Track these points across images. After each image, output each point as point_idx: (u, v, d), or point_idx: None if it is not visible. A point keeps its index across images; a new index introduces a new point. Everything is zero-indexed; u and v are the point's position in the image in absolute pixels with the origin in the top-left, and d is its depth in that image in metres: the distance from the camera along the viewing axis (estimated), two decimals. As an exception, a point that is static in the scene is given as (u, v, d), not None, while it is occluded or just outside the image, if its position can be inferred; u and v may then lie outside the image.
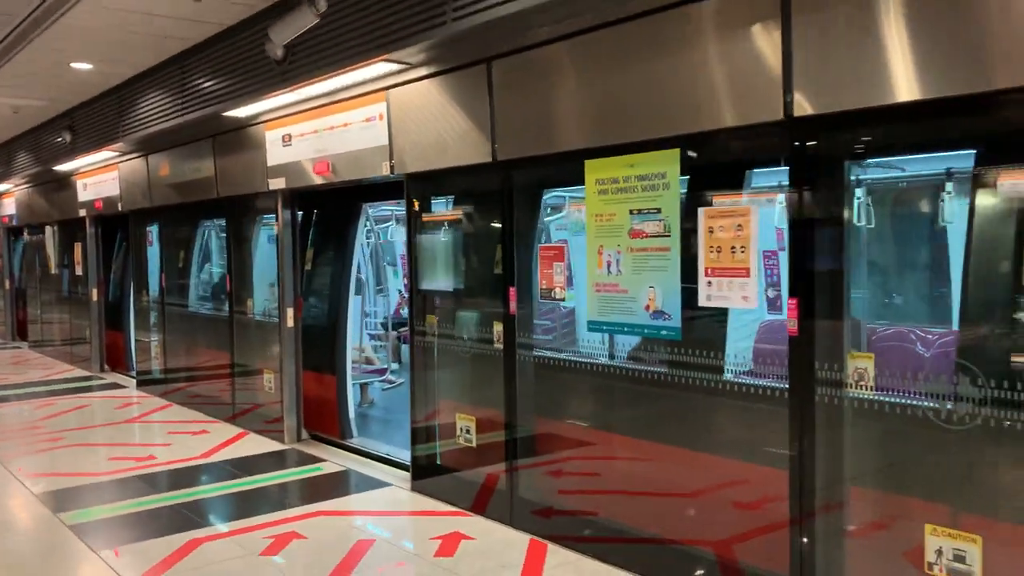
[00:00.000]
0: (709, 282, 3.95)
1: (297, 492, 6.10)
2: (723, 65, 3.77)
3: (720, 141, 3.95)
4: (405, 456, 6.24)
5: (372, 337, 10.60)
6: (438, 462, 5.84)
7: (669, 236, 4.12)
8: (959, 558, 3.21)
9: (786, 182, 3.61)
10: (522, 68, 4.79)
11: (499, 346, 5.20)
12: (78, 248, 12.34)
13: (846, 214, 3.55)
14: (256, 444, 7.45)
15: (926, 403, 3.31)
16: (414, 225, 5.92)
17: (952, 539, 3.22)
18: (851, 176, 3.59)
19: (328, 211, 7.64)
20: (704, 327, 4.13)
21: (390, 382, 9.32)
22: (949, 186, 3.57)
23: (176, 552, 4.79)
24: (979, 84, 2.96)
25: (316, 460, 6.87)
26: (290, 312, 7.50)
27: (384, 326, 10.71)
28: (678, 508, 4.26)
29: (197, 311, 9.35)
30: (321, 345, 7.53)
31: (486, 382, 5.35)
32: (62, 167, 11.15)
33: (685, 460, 4.27)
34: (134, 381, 10.83)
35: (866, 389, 3.48)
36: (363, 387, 8.88)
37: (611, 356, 4.71)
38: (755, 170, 4.03)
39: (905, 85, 3.16)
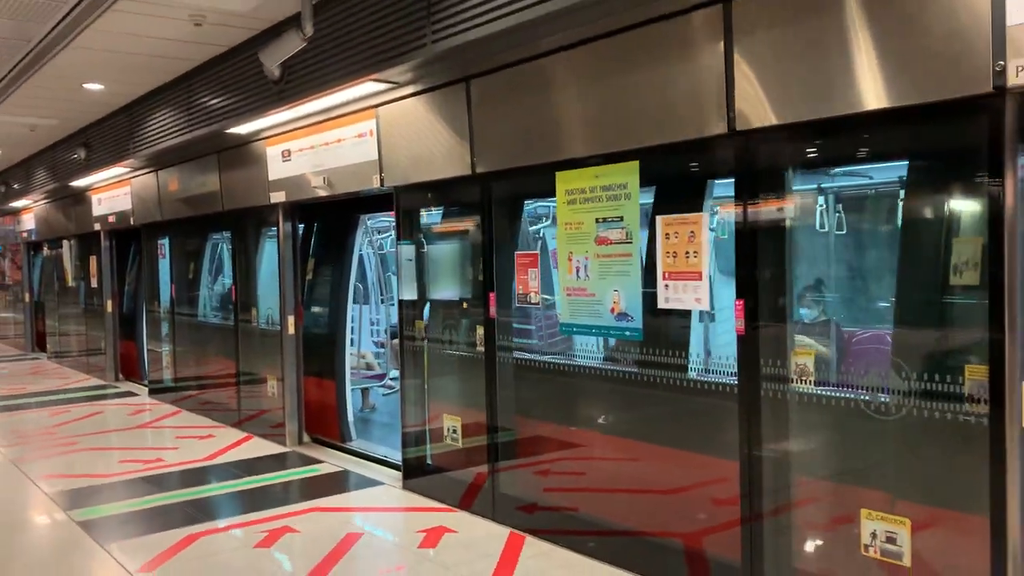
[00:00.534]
0: (667, 285, 4.21)
1: (294, 491, 6.39)
2: (675, 83, 4.04)
3: (675, 153, 4.21)
4: (399, 457, 6.51)
5: (377, 344, 10.89)
6: (428, 462, 6.11)
7: (631, 243, 4.39)
8: (891, 540, 3.44)
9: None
10: (497, 86, 5.09)
11: (481, 349, 5.48)
12: (93, 261, 12.74)
13: (787, 221, 3.81)
14: (259, 447, 7.75)
15: (861, 396, 3.56)
16: (403, 235, 6.22)
17: (884, 522, 3.46)
18: (794, 185, 3.84)
19: (328, 222, 7.97)
20: (668, 328, 4.38)
21: (389, 387, 9.60)
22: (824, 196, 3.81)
23: (175, 545, 5.09)
24: (894, 100, 3.21)
25: (315, 461, 7.16)
26: (291, 320, 7.81)
27: (389, 333, 11.00)
28: (644, 501, 4.51)
29: (205, 321, 9.69)
30: (321, 352, 7.83)
31: (470, 384, 5.63)
32: (77, 183, 11.55)
33: (650, 454, 4.51)
34: (146, 389, 11.18)
35: (808, 384, 3.73)
36: (364, 392, 9.17)
37: (588, 357, 4.97)
38: (713, 181, 4.28)
39: (840, 101, 3.42)
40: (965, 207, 3.24)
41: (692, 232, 4.08)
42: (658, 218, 4.25)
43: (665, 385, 4.35)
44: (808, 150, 3.75)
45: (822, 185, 4.08)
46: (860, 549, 3.53)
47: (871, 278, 4.15)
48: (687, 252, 4.10)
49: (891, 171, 3.81)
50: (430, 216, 6.13)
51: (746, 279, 3.86)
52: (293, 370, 7.90)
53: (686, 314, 4.31)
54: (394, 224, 6.35)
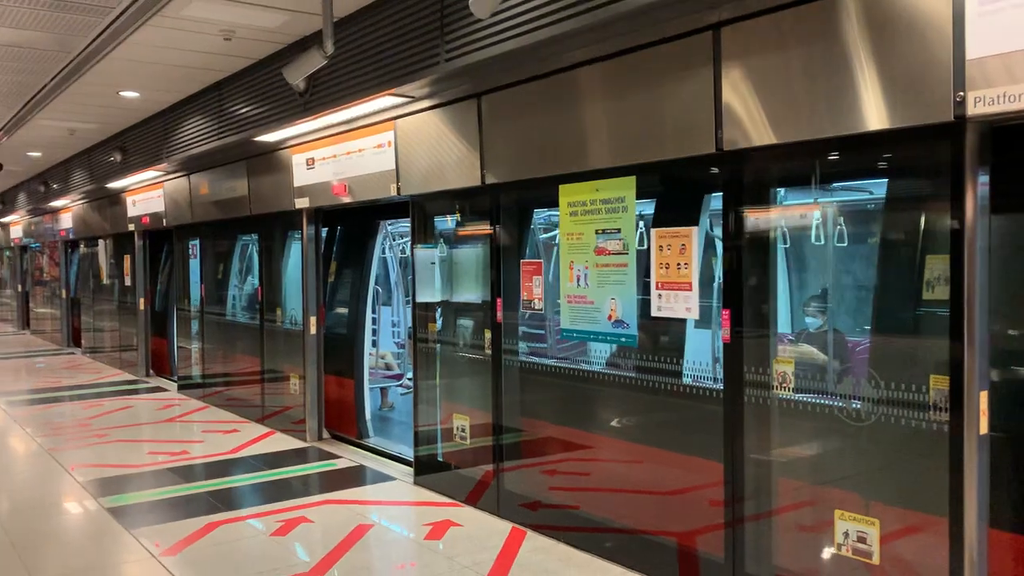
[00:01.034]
0: (659, 295, 4.44)
1: (311, 484, 6.69)
2: (668, 104, 4.27)
3: (670, 170, 4.44)
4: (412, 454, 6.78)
5: (397, 345, 11.19)
6: (439, 458, 6.37)
7: (627, 254, 4.62)
8: (861, 539, 3.64)
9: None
10: (505, 103, 5.35)
11: (488, 352, 5.73)
12: (127, 260, 13.19)
13: (772, 235, 4.02)
14: (280, 442, 8.07)
15: (837, 403, 3.76)
16: (418, 242, 6.50)
17: (856, 522, 3.66)
18: (778, 202, 4.06)
19: (349, 228, 8.27)
20: (663, 335, 4.60)
21: (407, 387, 9.87)
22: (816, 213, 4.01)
23: (197, 532, 5.40)
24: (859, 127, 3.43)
25: (333, 456, 7.46)
26: (313, 320, 8.13)
27: (408, 335, 11.29)
28: (638, 500, 4.73)
29: (232, 320, 10.05)
30: (341, 351, 8.13)
31: (478, 385, 5.88)
32: (113, 184, 11.99)
33: (644, 456, 4.74)
34: (176, 385, 11.58)
35: (788, 390, 3.94)
36: (383, 392, 9.46)
37: (590, 361, 5.21)
38: (709, 196, 4.50)
39: (810, 125, 3.63)
40: (934, 225, 3.44)
41: (683, 245, 4.30)
42: (653, 231, 4.48)
43: (659, 390, 4.57)
44: (791, 170, 3.96)
45: (804, 202, 4.27)
46: (834, 548, 3.73)
47: (852, 291, 4.34)
48: (679, 263, 4.33)
49: (871, 189, 4.00)
50: (443, 224, 6.39)
51: (732, 289, 4.08)
52: (314, 368, 8.21)
53: (681, 322, 4.52)
54: (411, 231, 6.61)
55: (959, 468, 3.25)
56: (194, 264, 10.94)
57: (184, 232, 11.13)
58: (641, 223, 4.63)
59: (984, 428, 3.24)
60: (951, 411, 3.27)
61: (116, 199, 13.07)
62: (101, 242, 14.69)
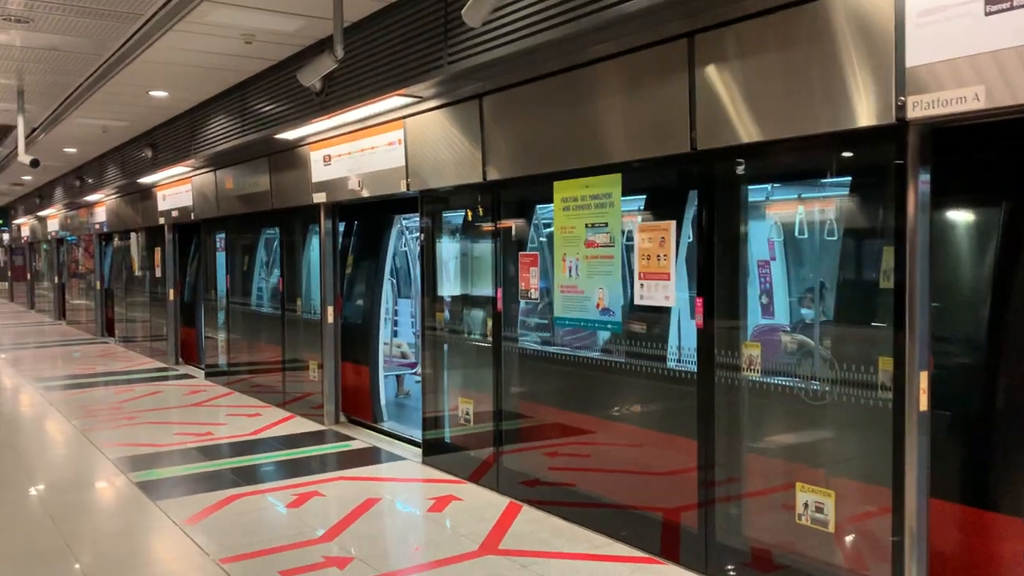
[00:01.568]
0: (642, 284, 4.75)
1: (326, 463, 7.08)
2: (649, 106, 4.58)
3: (652, 168, 4.75)
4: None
5: (416, 335, 11.56)
6: (446, 440, 6.73)
7: (613, 246, 4.94)
8: (819, 509, 3.94)
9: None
10: (505, 104, 5.68)
11: (490, 339, 6.08)
12: (158, 253, 13.70)
13: (742, 228, 4.32)
14: (299, 425, 8.48)
15: (798, 383, 4.06)
16: (427, 235, 6.86)
17: (813, 494, 3.96)
18: (749, 197, 4.36)
19: (365, 221, 8.66)
20: (646, 322, 4.92)
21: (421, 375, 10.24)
22: (800, 208, 4.30)
23: (218, 503, 5.81)
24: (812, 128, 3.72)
25: (348, 439, 7.86)
26: (331, 310, 8.52)
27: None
28: (623, 475, 5.05)
29: (256, 310, 10.49)
30: (357, 340, 8.52)
31: (481, 370, 6.23)
32: (144, 180, 12.49)
33: (630, 435, 5.06)
34: (203, 372, 12.06)
35: (755, 372, 4.24)
36: (399, 379, 9.85)
37: (586, 347, 5.53)
38: (688, 192, 4.79)
39: (773, 127, 3.93)
40: (882, 221, 3.72)
41: (663, 237, 4.61)
42: (635, 224, 4.79)
43: (645, 373, 4.89)
44: (758, 168, 4.26)
45: (771, 198, 4.56)
46: (795, 517, 4.03)
47: (814, 280, 4.63)
48: (658, 255, 4.64)
49: (832, 186, 4.27)
50: (449, 217, 6.74)
51: (706, 279, 4.39)
52: (332, 356, 8.61)
53: (665, 310, 4.83)
54: (419, 225, 6.97)
55: (901, 442, 3.54)
56: (220, 256, 11.41)
57: (211, 225, 11.60)
58: (639, 218, 4.91)
59: (924, 406, 3.52)
60: (894, 390, 3.56)
61: (147, 194, 13.58)
62: (133, 235, 15.24)
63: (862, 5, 3.52)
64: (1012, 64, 3.04)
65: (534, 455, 5.77)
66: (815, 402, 4.00)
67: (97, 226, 17.34)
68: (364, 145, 7.37)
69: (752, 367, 4.25)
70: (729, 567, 4.34)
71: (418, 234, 10.08)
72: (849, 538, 3.84)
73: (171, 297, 13.35)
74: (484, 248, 6.20)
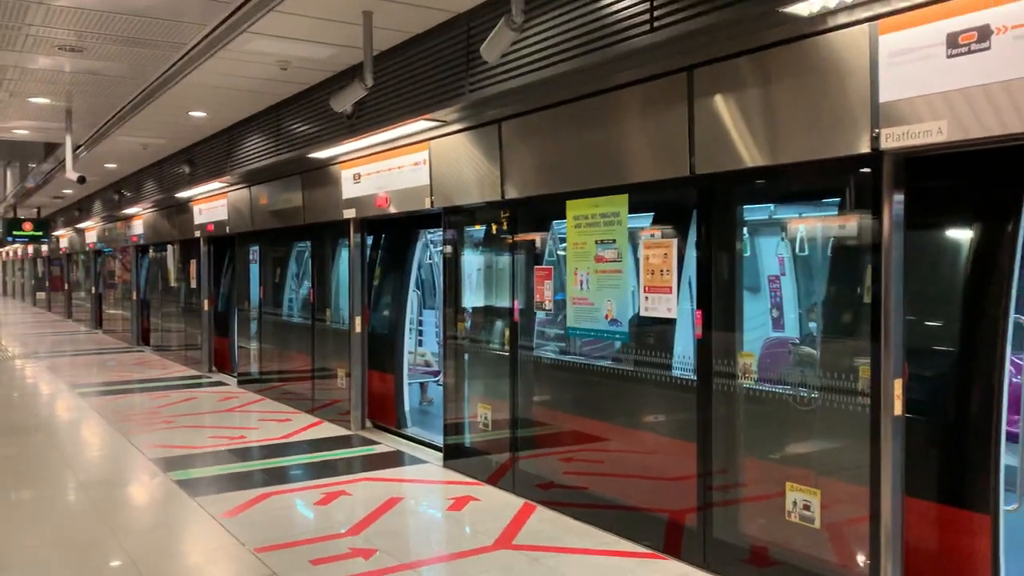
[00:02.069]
0: (647, 297, 5.11)
1: (352, 465, 7.48)
2: (652, 133, 4.95)
3: (656, 189, 5.11)
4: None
5: (440, 345, 11.96)
6: (466, 444, 7.10)
7: (621, 261, 5.30)
8: (806, 507, 4.26)
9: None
10: (522, 128, 6.07)
11: (508, 348, 6.45)
12: (193, 265, 14.24)
13: (737, 246, 4.67)
14: (327, 430, 8.90)
15: (788, 390, 4.39)
16: (450, 249, 7.25)
17: (801, 492, 4.28)
18: (745, 217, 4.70)
19: (392, 236, 9.08)
20: (652, 333, 5.26)
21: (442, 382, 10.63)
22: (800, 228, 4.63)
23: (251, 500, 6.22)
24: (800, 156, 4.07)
25: (374, 443, 8.26)
26: (358, 320, 8.94)
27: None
28: (631, 477, 5.39)
29: (287, 320, 10.95)
30: (383, 349, 8.93)
31: (499, 378, 6.60)
32: (181, 194, 13.04)
33: (635, 439, 5.40)
34: (235, 380, 12.54)
35: (750, 380, 4.57)
36: (423, 387, 10.24)
37: (590, 355, 5.88)
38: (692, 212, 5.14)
39: (763, 154, 4.28)
40: (863, 239, 4.05)
41: (665, 254, 4.97)
42: (641, 242, 5.15)
43: (651, 381, 5.23)
44: (752, 191, 4.61)
45: (766, 218, 4.91)
46: (785, 515, 4.35)
47: (807, 295, 4.96)
48: (662, 270, 4.99)
49: (821, 208, 4.61)
50: (471, 233, 7.14)
51: (704, 293, 4.73)
52: (359, 364, 9.02)
53: (669, 321, 5.17)
54: (442, 239, 7.37)
55: (877, 444, 3.86)
56: (254, 268, 11.89)
57: (245, 239, 12.09)
58: (652, 235, 5.23)
59: (899, 411, 3.84)
60: (871, 396, 3.88)
61: (183, 208, 14.14)
62: (169, 247, 15.80)
63: (841, 45, 3.87)
64: (970, 102, 3.37)
65: (548, 458, 6.12)
66: (803, 408, 4.32)
67: (134, 238, 17.95)
68: (392, 164, 7.80)
69: (747, 375, 4.58)
70: (725, 561, 4.66)
71: (441, 248, 10.50)
72: (833, 534, 4.15)
73: (205, 307, 13.86)
74: (503, 262, 6.59)
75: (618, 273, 5.33)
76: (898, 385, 3.84)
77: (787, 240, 6.31)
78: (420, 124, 6.71)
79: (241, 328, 12.55)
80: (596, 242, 5.49)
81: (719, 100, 4.51)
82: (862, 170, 3.90)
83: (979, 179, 3.85)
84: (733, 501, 4.70)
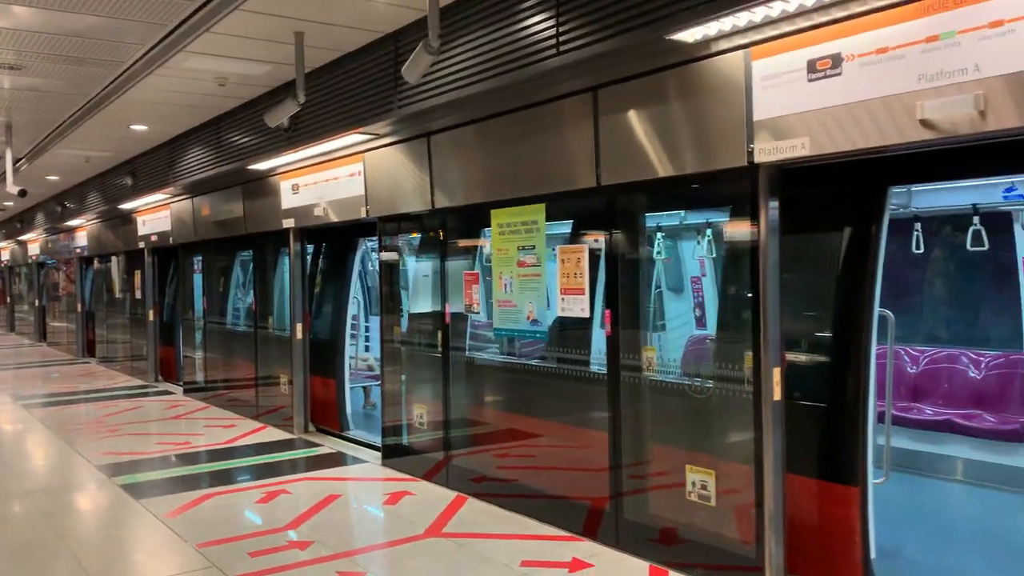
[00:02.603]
0: (563, 298, 5.50)
1: (294, 466, 7.75)
2: (564, 147, 5.35)
3: (570, 199, 5.51)
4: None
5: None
6: (404, 443, 7.42)
7: (539, 266, 5.69)
8: (703, 487, 4.68)
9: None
10: (449, 142, 6.44)
11: (440, 350, 6.80)
12: (137, 276, 14.32)
13: (642, 251, 5.09)
14: (271, 435, 9.14)
15: (685, 380, 4.81)
16: (385, 257, 7.58)
17: (699, 474, 4.70)
18: (648, 223, 5.12)
19: (332, 245, 9.38)
20: (570, 331, 5.66)
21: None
22: (708, 232, 5.08)
23: (194, 501, 6.47)
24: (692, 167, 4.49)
25: (316, 445, 8.53)
26: (299, 327, 9.21)
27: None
28: (552, 465, 5.78)
29: (231, 329, 11.15)
30: (325, 354, 9.21)
31: (433, 379, 6.94)
32: (125, 206, 13.14)
33: (555, 431, 5.78)
34: (181, 389, 12.68)
35: (652, 372, 4.99)
36: (366, 391, 10.53)
37: (516, 354, 6.27)
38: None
39: (658, 166, 4.71)
40: (741, 243, 4.48)
41: (578, 258, 5.37)
42: (557, 247, 5.55)
43: (572, 376, 5.62)
44: (649, 200, 5.03)
45: (661, 224, 5.34)
46: (686, 495, 4.77)
47: (683, 294, 5.40)
48: (575, 273, 5.39)
49: (719, 215, 5.06)
50: (405, 241, 7.48)
51: (612, 293, 5.14)
52: (301, 370, 9.28)
53: (585, 321, 5.56)
54: (378, 247, 7.69)
55: (759, 427, 4.29)
56: (198, 278, 12.07)
57: (188, 249, 12.26)
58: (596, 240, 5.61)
59: (777, 396, 4.28)
60: (754, 384, 4.31)
61: (127, 219, 14.22)
62: (113, 258, 15.83)
63: (722, 69, 4.30)
64: (828, 120, 3.82)
65: (480, 454, 6.48)
66: (700, 396, 4.75)
67: (78, 250, 17.90)
68: (328, 175, 8.10)
69: (650, 367, 5.00)
70: (636, 540, 5.06)
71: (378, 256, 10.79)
72: (727, 510, 4.57)
73: (151, 317, 13.96)
74: (434, 267, 6.94)
75: (537, 277, 5.72)
76: (776, 373, 4.28)
77: (701, 244, 6.85)
78: (354, 137, 7.03)
79: (186, 337, 12.70)
80: (518, 248, 5.87)
81: (620, 118, 4.93)
82: (742, 181, 4.34)
83: (851, 187, 4.30)
84: (641, 484, 5.10)
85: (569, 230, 5.76)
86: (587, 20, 4.49)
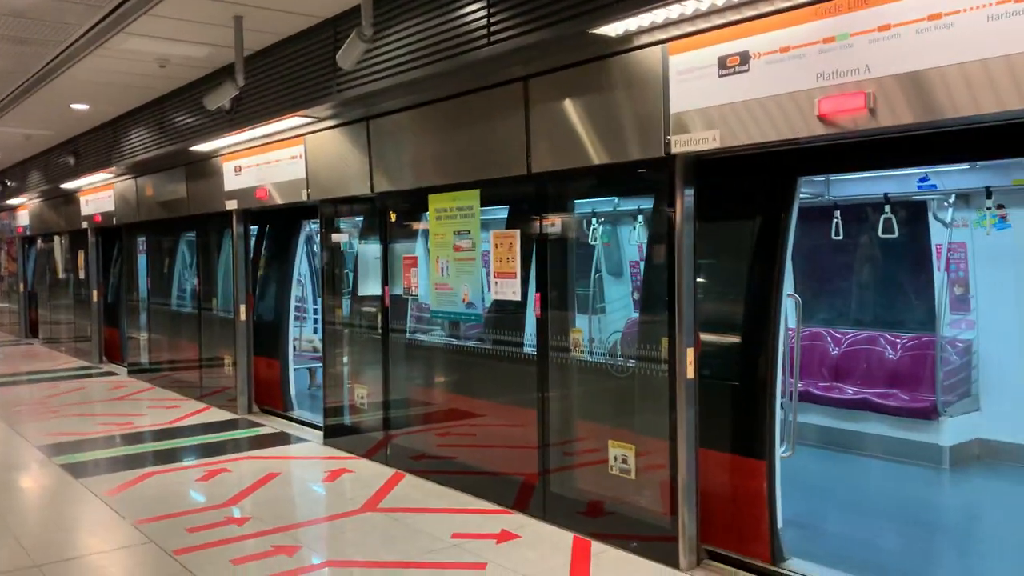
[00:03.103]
0: (496, 282, 5.68)
1: (236, 446, 7.85)
2: (498, 135, 5.51)
3: (503, 185, 5.68)
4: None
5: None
6: (345, 423, 7.56)
7: (474, 251, 5.86)
8: (624, 460, 4.91)
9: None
10: (387, 127, 6.56)
11: (380, 332, 6.95)
12: (81, 256, 14.17)
13: (571, 236, 5.28)
14: (215, 415, 9.21)
15: (608, 360, 5.03)
16: (326, 239, 7.69)
17: (620, 448, 4.93)
18: (576, 210, 5.32)
19: (275, 226, 9.43)
20: (505, 314, 5.84)
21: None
22: (640, 219, 5.29)
23: (135, 480, 6.55)
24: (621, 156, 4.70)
25: (259, 425, 8.63)
26: (243, 308, 9.27)
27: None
28: (486, 445, 5.97)
29: (174, 310, 11.15)
30: (269, 336, 9.29)
31: (373, 359, 7.09)
32: (67, 185, 12.99)
33: (489, 409, 5.98)
34: (126, 370, 12.63)
35: (579, 352, 5.20)
36: (311, 372, 10.62)
37: (456, 336, 6.44)
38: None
39: (585, 155, 4.90)
40: (665, 228, 4.70)
41: (511, 243, 5.55)
42: (491, 232, 5.72)
43: (506, 357, 5.81)
44: (578, 187, 5.23)
45: (597, 210, 5.54)
46: (608, 469, 4.99)
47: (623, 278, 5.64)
48: (507, 258, 5.57)
49: (646, 202, 5.27)
50: (345, 224, 7.59)
51: (541, 277, 5.34)
52: (244, 351, 9.35)
53: (519, 304, 5.74)
54: (319, 229, 7.79)
55: (674, 404, 4.53)
56: (142, 259, 12.01)
57: (132, 230, 12.19)
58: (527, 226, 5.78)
59: (691, 375, 4.52)
60: (669, 363, 4.55)
61: (70, 198, 14.05)
62: (56, 238, 15.62)
63: (643, 63, 4.50)
64: (736, 115, 4.04)
65: (418, 431, 6.66)
66: (622, 375, 4.97)
67: (20, 229, 17.61)
68: (271, 158, 8.16)
69: (577, 348, 5.21)
70: (563, 513, 5.28)
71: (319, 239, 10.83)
72: (646, 483, 4.81)
73: (95, 298, 13.84)
74: (374, 251, 7.06)
75: (472, 261, 5.88)
76: (690, 353, 4.51)
77: (636, 230, 7.07)
78: (294, 120, 7.12)
79: (131, 318, 12.64)
80: (454, 233, 6.02)
81: (549, 107, 5.11)
82: (661, 171, 4.55)
83: (763, 177, 4.53)
84: (567, 460, 5.32)
85: (505, 215, 5.94)
86: (517, 12, 4.65)
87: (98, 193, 12.81)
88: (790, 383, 4.90)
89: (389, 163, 6.61)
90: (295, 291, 9.46)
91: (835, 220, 6.67)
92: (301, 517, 5.79)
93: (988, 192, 6.02)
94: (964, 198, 6.49)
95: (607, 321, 8.31)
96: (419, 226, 6.74)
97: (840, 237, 6.73)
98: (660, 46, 4.38)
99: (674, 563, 4.58)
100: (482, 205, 5.82)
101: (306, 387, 10.35)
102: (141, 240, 11.98)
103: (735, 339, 4.63)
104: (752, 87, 3.96)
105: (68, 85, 8.51)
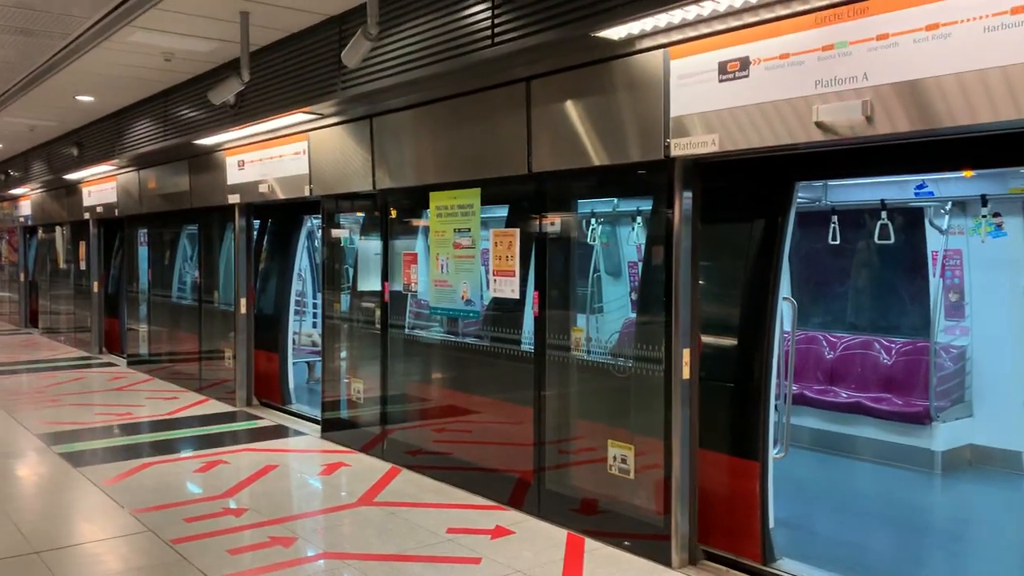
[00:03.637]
0: (495, 280, 5.73)
1: (234, 438, 7.90)
2: (499, 134, 5.56)
3: (504, 184, 5.73)
4: (323, 415, 8.03)
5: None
6: (343, 417, 7.62)
7: (474, 248, 5.91)
8: (623, 460, 4.96)
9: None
10: (390, 125, 6.61)
11: (379, 327, 7.00)
12: (83, 246, 14.22)
13: (571, 236, 5.33)
14: (213, 407, 9.26)
15: (608, 360, 5.08)
16: (327, 235, 7.74)
17: (620, 448, 4.98)
18: (576, 210, 5.37)
19: (277, 221, 9.48)
20: (503, 311, 5.90)
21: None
22: (639, 219, 5.34)
23: (133, 470, 6.60)
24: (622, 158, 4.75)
25: (258, 418, 8.68)
26: (243, 301, 9.32)
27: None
28: (482, 439, 6.03)
29: (175, 302, 11.20)
30: (269, 329, 9.34)
31: (372, 354, 7.14)
32: (70, 176, 13.04)
33: (488, 406, 6.03)
34: (125, 361, 12.68)
35: (579, 352, 5.25)
36: (310, 366, 10.68)
37: (454, 333, 6.49)
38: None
39: (585, 156, 4.95)
40: (665, 230, 4.75)
41: (510, 242, 5.60)
42: (490, 230, 5.77)
43: (504, 354, 5.87)
44: (578, 188, 5.28)
45: (596, 210, 5.60)
46: (608, 468, 5.04)
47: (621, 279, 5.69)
48: (507, 256, 5.62)
49: (646, 203, 5.32)
50: (346, 220, 7.64)
51: (540, 276, 5.39)
52: (244, 344, 9.40)
53: (517, 301, 5.80)
54: (320, 225, 7.84)
55: (669, 404, 4.58)
56: (143, 251, 12.06)
57: (134, 221, 12.24)
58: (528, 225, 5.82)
59: (687, 375, 4.57)
60: (665, 364, 4.60)
61: (73, 189, 14.10)
62: (58, 229, 15.66)
63: (645, 66, 4.55)
64: (735, 120, 4.09)
65: (415, 426, 6.71)
66: (621, 375, 5.02)
67: (22, 219, 17.65)
68: (274, 153, 8.21)
69: (576, 348, 5.26)
70: (558, 510, 5.34)
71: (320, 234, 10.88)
72: (644, 483, 4.86)
73: (95, 289, 13.89)
74: (375, 247, 7.11)
75: (471, 258, 5.94)
76: (687, 354, 4.56)
77: (635, 230, 7.12)
78: (298, 116, 7.16)
79: (131, 310, 12.69)
80: (455, 230, 6.08)
81: (551, 108, 5.16)
82: (660, 173, 4.60)
83: (761, 181, 4.58)
84: (564, 458, 5.37)
85: (505, 214, 5.99)
86: (521, 14, 4.70)
87: (101, 184, 12.86)
88: (784, 385, 4.95)
89: (391, 160, 6.66)
90: (295, 286, 9.51)
91: (832, 225, 6.72)
92: (298, 509, 5.84)
93: (984, 200, 6.07)
94: (961, 205, 6.54)
95: (605, 321, 8.37)
96: (420, 223, 6.79)
97: (837, 242, 6.78)
98: (662, 50, 4.43)
99: (666, 561, 4.63)
100: (483, 203, 5.87)
101: (305, 381, 10.40)
102: (143, 232, 12.03)
103: (731, 341, 4.69)
104: (752, 92, 4.01)
105: (74, 77, 8.55)
